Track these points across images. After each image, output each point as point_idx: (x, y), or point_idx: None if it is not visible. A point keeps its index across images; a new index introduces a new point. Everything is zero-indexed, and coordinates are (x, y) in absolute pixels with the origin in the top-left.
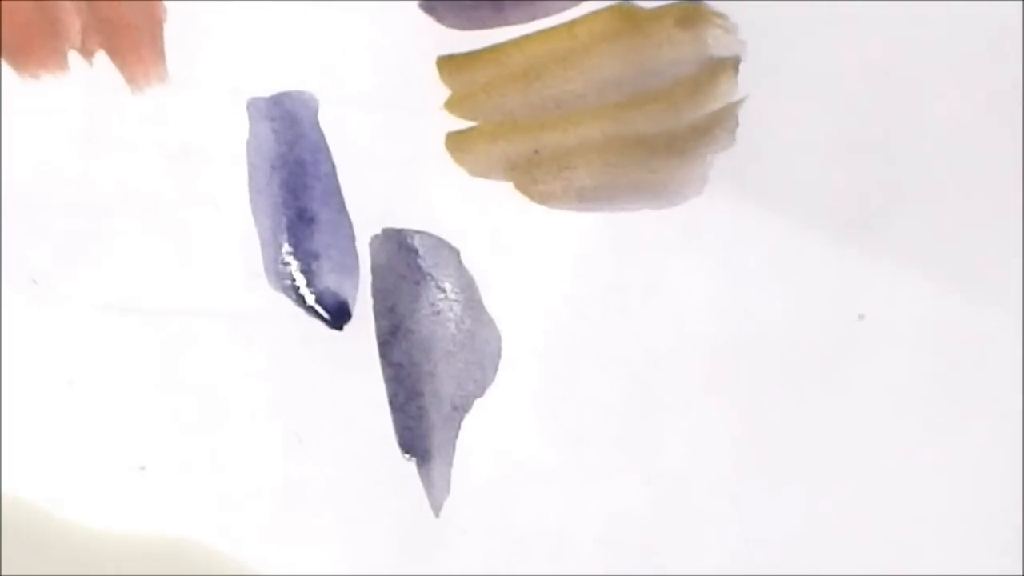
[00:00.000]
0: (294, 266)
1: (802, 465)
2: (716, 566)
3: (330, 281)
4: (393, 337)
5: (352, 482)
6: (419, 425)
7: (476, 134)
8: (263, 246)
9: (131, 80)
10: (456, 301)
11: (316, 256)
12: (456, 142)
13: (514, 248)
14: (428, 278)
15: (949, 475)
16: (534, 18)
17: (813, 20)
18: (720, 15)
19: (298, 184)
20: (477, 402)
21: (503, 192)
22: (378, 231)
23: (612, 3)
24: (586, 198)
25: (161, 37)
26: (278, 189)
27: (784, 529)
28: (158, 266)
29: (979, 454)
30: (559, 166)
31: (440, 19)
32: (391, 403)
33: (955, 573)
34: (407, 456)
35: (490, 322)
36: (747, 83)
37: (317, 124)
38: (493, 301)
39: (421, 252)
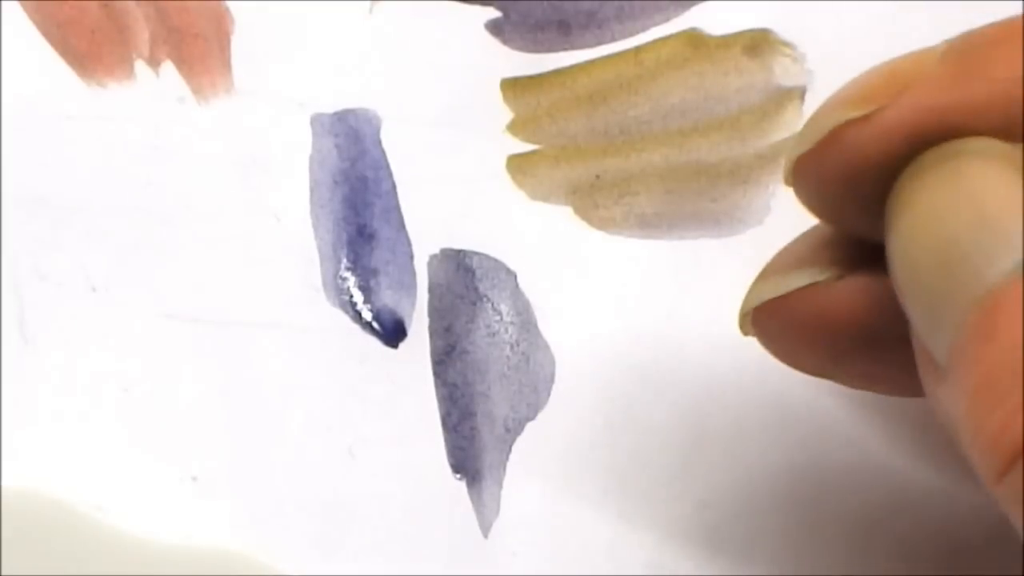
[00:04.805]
0: (352, 282)
1: (857, 500)
2: None
3: (387, 298)
4: (448, 357)
5: (402, 500)
6: (471, 446)
7: (538, 157)
8: (322, 261)
9: (197, 91)
10: (512, 324)
11: (375, 273)
12: (517, 165)
13: (572, 273)
14: (484, 300)
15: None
16: (600, 43)
17: (881, 52)
18: (788, 44)
19: (359, 200)
20: (529, 425)
21: (563, 216)
22: (436, 250)
23: (680, 29)
24: (646, 225)
25: (228, 48)
26: (339, 205)
27: (836, 563)
28: (217, 277)
29: None
30: (620, 192)
31: (506, 41)
32: (444, 423)
33: None
34: (458, 476)
35: (545, 346)
36: None
37: (379, 142)
38: (549, 325)
39: (478, 273)
